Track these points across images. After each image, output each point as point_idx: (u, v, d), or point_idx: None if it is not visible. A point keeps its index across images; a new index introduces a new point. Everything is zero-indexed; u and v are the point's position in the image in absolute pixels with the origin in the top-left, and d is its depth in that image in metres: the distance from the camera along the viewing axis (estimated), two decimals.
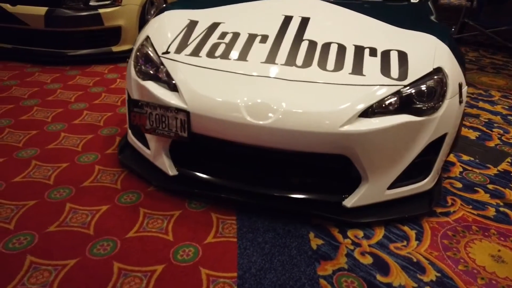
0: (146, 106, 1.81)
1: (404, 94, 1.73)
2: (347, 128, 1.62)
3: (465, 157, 2.42)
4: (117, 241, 1.64)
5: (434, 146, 1.84)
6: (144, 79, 1.96)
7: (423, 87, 1.76)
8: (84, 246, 1.60)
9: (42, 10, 3.53)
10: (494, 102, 3.33)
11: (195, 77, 1.82)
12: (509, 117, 3.05)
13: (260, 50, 1.91)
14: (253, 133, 1.67)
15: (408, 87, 1.74)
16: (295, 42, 1.96)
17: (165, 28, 2.15)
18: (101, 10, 3.66)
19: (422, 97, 1.76)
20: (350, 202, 1.78)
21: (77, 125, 2.57)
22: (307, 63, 1.83)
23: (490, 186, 2.14)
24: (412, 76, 1.76)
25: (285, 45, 1.95)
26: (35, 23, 3.57)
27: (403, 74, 1.76)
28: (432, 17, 2.37)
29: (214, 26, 2.12)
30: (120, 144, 2.27)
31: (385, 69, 1.79)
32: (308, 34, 2.02)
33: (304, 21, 2.14)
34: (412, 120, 1.71)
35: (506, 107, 3.25)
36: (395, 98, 1.72)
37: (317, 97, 1.69)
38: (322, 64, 1.81)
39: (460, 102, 1.88)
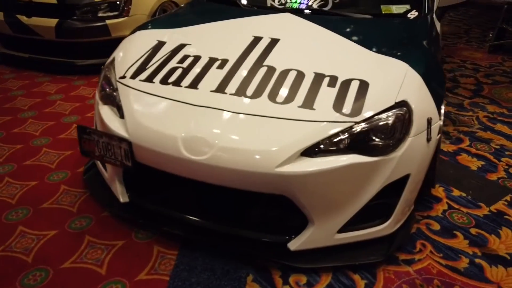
0: (93, 133, 1.79)
1: (355, 132, 1.57)
2: (283, 168, 1.50)
3: (456, 192, 2.18)
4: (50, 271, 1.63)
5: (395, 188, 1.66)
6: (104, 103, 1.95)
7: (379, 124, 1.59)
8: (17, 275, 1.62)
9: (53, 22, 3.67)
10: None
11: (142, 105, 1.77)
12: None
13: (214, 77, 1.82)
14: (190, 168, 1.59)
15: (360, 124, 1.57)
16: (253, 68, 1.85)
17: (130, 50, 2.13)
18: (108, 21, 3.73)
19: (378, 135, 1.59)
20: (294, 245, 1.65)
21: (61, 140, 2.63)
22: (257, 93, 1.71)
23: (473, 231, 1.91)
24: (367, 112, 1.59)
25: (242, 71, 1.84)
26: (47, 34, 3.71)
27: (356, 109, 1.60)
28: (424, 40, 2.12)
29: (179, 48, 2.06)
30: (87, 164, 2.28)
31: (338, 102, 1.63)
32: (270, 59, 1.90)
33: (272, 43, 2.01)
34: (362, 161, 1.54)
35: None
36: (345, 136, 1.56)
37: (257, 132, 1.58)
38: (273, 95, 1.69)
39: (428, 139, 1.68)
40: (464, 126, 2.93)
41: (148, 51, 2.07)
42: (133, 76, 1.91)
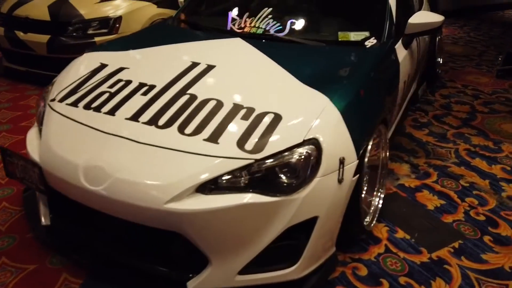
0: (13, 156, 1.82)
1: (254, 170, 1.49)
2: (173, 205, 1.44)
3: (400, 233, 2.03)
4: None
5: (303, 230, 1.56)
6: (39, 125, 1.97)
7: (281, 163, 1.50)
8: None
9: (45, 38, 3.81)
10: (496, 160, 2.76)
11: (58, 130, 1.77)
12: (502, 183, 2.49)
13: (134, 104, 1.80)
14: (88, 197, 1.57)
15: (260, 162, 1.49)
16: (176, 95, 1.81)
17: (70, 72, 2.16)
18: (96, 39, 3.83)
19: (280, 174, 1.50)
20: (192, 284, 1.58)
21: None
22: (169, 123, 1.66)
23: (402, 280, 1.75)
24: (270, 149, 1.51)
25: (164, 99, 1.80)
26: (39, 49, 3.87)
27: (260, 146, 1.52)
28: (370, 71, 2.00)
29: (116, 72, 2.06)
30: None
31: (244, 137, 1.55)
32: (196, 87, 1.85)
33: (206, 70, 1.97)
34: (259, 201, 1.46)
35: (509, 168, 2.67)
36: (243, 174, 1.49)
37: (155, 165, 1.53)
38: (183, 126, 1.64)
39: (340, 181, 1.56)
40: (438, 159, 2.74)
41: (87, 74, 2.09)
42: (62, 100, 1.93)
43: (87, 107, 1.84)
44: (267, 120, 1.62)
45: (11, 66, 4.27)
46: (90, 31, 3.86)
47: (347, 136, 1.62)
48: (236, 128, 1.60)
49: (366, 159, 1.74)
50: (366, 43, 2.27)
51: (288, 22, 2.42)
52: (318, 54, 2.19)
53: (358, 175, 1.66)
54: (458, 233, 2.05)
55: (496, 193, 2.39)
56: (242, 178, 1.49)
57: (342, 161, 1.56)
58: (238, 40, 2.29)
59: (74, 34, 3.84)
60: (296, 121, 1.61)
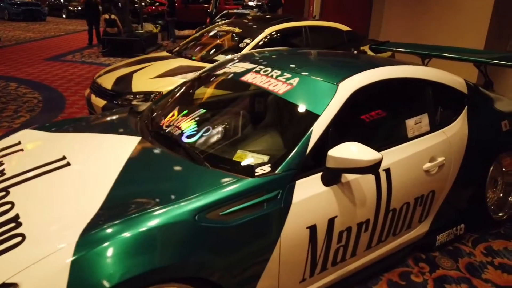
0: None
1: None
2: None
3: None
4: None
5: None
6: None
7: None
8: None
9: (102, 103, 4.38)
10: None
11: None
12: None
13: None
14: None
15: None
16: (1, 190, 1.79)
17: None
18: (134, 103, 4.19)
19: None
20: None
21: None
22: None
23: None
24: None
25: None
26: (98, 111, 4.45)
27: None
28: (203, 212, 1.59)
29: (12, 153, 2.17)
30: None
31: None
32: (24, 185, 1.82)
33: (56, 168, 1.93)
34: None
35: None
36: None
37: None
38: None
39: None
40: None
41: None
42: None
43: None
44: (11, 242, 1.45)
45: None
46: (134, 102, 4.26)
47: None
48: None
49: None
50: (257, 169, 1.82)
51: (203, 130, 2.17)
52: (185, 174, 1.85)
53: None
54: None
55: None
56: None
57: None
58: (131, 141, 2.13)
59: (122, 102, 4.29)
60: (22, 255, 1.38)
